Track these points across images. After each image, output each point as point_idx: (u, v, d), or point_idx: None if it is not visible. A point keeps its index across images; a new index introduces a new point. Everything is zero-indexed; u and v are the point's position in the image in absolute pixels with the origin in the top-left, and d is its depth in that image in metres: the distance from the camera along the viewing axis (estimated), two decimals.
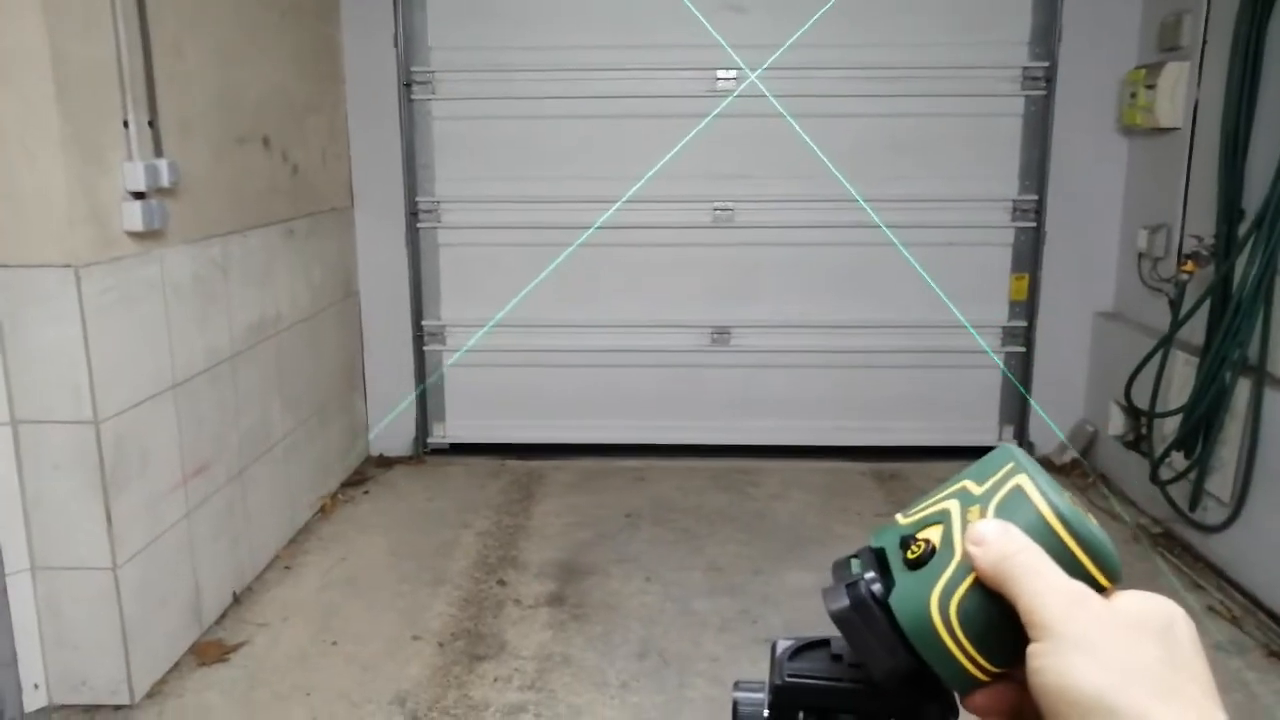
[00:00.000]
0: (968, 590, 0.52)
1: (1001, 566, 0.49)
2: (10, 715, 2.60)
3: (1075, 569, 0.50)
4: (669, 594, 3.30)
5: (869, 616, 0.56)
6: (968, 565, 0.51)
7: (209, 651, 2.92)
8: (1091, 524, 0.51)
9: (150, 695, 2.71)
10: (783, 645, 0.67)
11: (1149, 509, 3.91)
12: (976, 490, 0.55)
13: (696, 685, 2.76)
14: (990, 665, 0.53)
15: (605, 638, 3.02)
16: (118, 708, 2.64)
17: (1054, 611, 0.47)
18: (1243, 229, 3.28)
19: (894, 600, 0.55)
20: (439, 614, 3.17)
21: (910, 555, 0.55)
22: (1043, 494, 0.52)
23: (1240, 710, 2.64)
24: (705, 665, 2.87)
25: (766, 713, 0.63)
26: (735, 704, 0.65)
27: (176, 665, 2.86)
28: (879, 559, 0.58)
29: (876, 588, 0.56)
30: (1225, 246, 3.38)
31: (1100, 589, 0.50)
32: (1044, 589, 0.47)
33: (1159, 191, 3.99)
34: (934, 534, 0.55)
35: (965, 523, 0.54)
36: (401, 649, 2.95)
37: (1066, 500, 0.52)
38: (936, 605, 0.53)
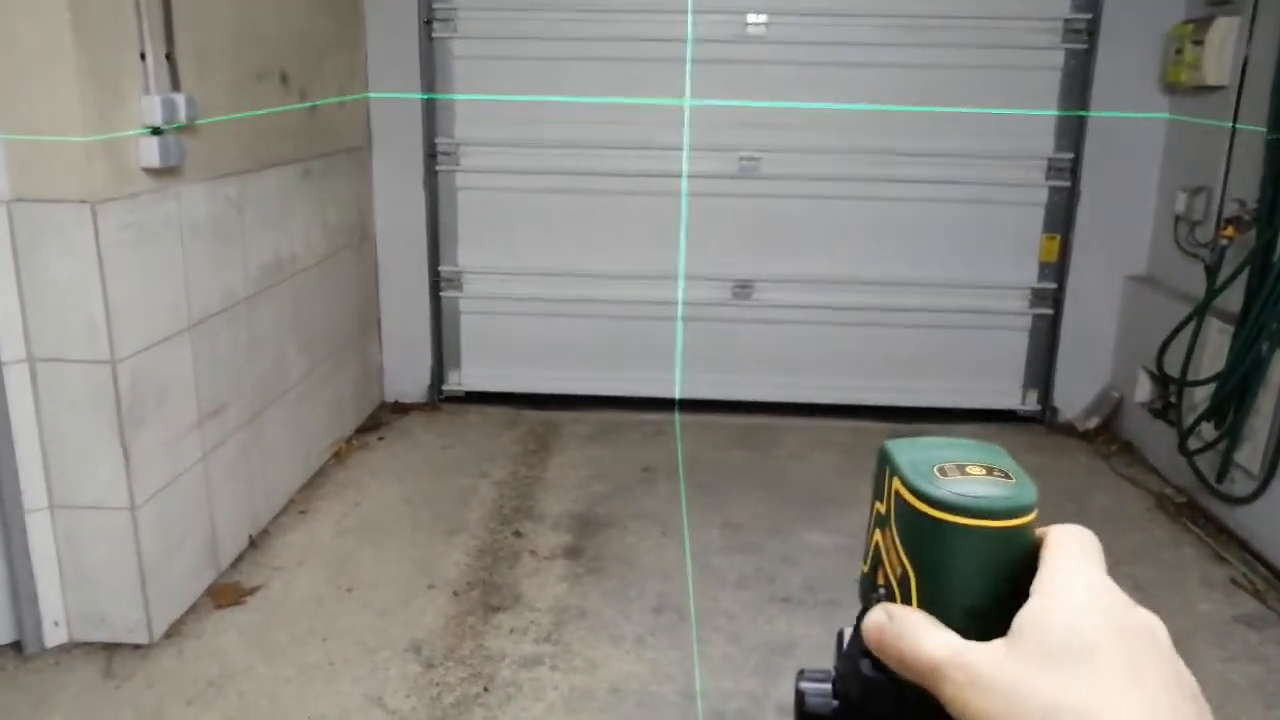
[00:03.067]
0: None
1: (884, 650, 0.50)
2: (31, 650, 2.61)
3: (956, 532, 0.50)
4: (686, 549, 3.28)
5: (872, 693, 0.56)
6: (906, 589, 0.52)
7: (226, 594, 2.92)
8: (955, 484, 0.51)
9: (168, 635, 2.71)
10: (849, 633, 0.63)
11: (1173, 478, 3.85)
12: (882, 509, 0.56)
13: (713, 641, 2.74)
14: None
15: (621, 591, 3.01)
16: (136, 646, 2.64)
17: (931, 663, 0.47)
18: None
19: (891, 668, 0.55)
20: (454, 563, 3.15)
21: None
22: (907, 485, 0.52)
23: (1260, 684, 2.62)
24: (722, 621, 2.85)
25: (835, 703, 0.60)
26: (801, 695, 0.61)
27: (194, 607, 2.85)
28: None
29: (866, 664, 0.56)
30: (1269, 212, 3.28)
31: (1014, 530, 0.49)
32: (912, 651, 0.48)
33: (1201, 153, 3.87)
34: (884, 573, 0.56)
35: (888, 552, 0.54)
36: (417, 597, 2.94)
37: (929, 472, 0.52)
38: None
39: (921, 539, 0.51)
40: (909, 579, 0.52)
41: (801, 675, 0.62)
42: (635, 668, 2.61)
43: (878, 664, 0.55)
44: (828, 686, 0.62)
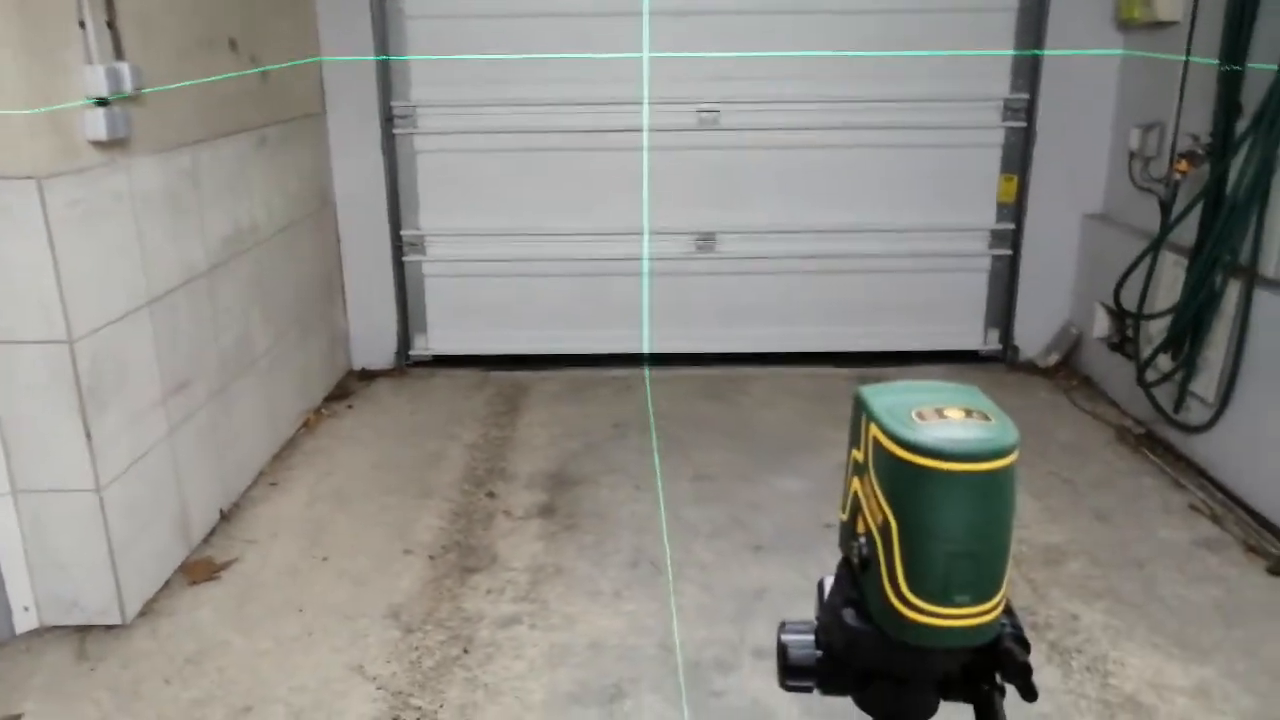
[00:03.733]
0: (900, 561, 0.52)
1: None
2: (1, 637, 2.59)
3: (937, 477, 0.51)
4: (658, 502, 3.31)
5: (856, 643, 0.58)
6: (888, 537, 0.53)
7: (199, 570, 2.91)
8: (934, 428, 0.52)
9: (142, 614, 2.70)
10: (830, 582, 0.63)
11: (1132, 410, 3.93)
12: (860, 457, 0.57)
13: (688, 592, 2.78)
14: (965, 610, 0.52)
15: (597, 547, 3.03)
16: (110, 628, 2.63)
17: None
18: (1241, 127, 3.22)
19: (875, 619, 0.56)
20: (428, 527, 3.16)
21: (858, 561, 0.57)
22: (885, 431, 0.53)
23: (1220, 604, 2.70)
24: (696, 572, 2.89)
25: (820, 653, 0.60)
26: (784, 648, 0.62)
27: (167, 584, 2.85)
28: (849, 565, 0.60)
29: (853, 621, 0.57)
30: (1222, 145, 3.32)
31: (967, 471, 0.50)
32: None
33: (1154, 89, 3.90)
34: (864, 521, 0.56)
35: (868, 500, 0.55)
36: (392, 563, 2.95)
37: (907, 416, 0.53)
38: (894, 596, 0.53)
39: (902, 485, 0.51)
40: (890, 527, 0.52)
41: (783, 628, 0.63)
42: (613, 622, 2.64)
43: (862, 613, 0.56)
44: (810, 638, 0.62)
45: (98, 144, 2.56)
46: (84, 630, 2.63)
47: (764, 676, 2.41)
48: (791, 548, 3.01)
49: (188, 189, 3.05)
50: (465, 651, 2.52)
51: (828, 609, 0.64)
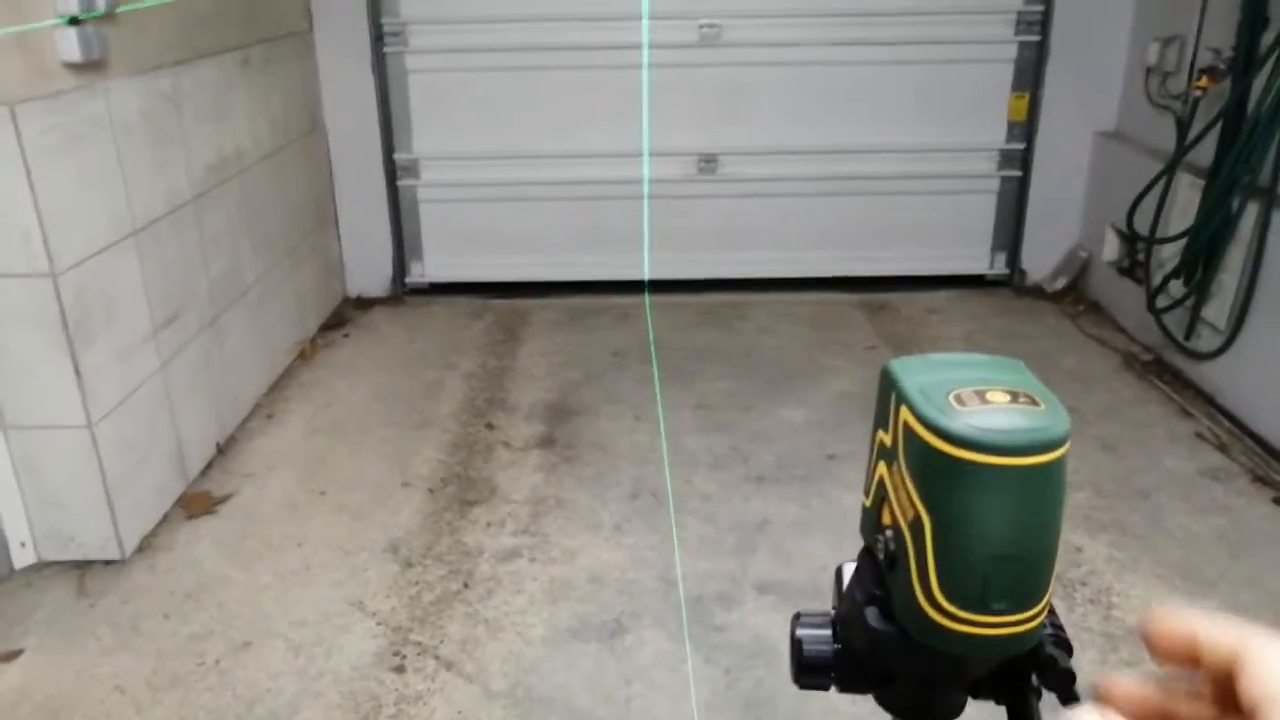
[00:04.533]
0: (933, 563, 0.46)
1: None
2: (0, 572, 2.58)
3: (978, 472, 0.44)
4: (659, 432, 3.27)
5: (879, 645, 0.51)
6: (919, 535, 0.46)
7: (197, 503, 2.89)
8: (975, 414, 0.44)
9: (140, 549, 2.69)
10: (849, 570, 0.58)
11: (1140, 336, 3.87)
12: (888, 441, 0.49)
13: (689, 524, 2.76)
14: (1004, 618, 0.46)
15: (597, 479, 3.01)
16: (108, 563, 2.62)
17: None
18: (1266, 41, 3.08)
19: (900, 619, 0.49)
20: (427, 459, 3.13)
21: (884, 557, 0.50)
22: (918, 416, 0.45)
23: (1225, 535, 2.68)
24: (697, 503, 2.87)
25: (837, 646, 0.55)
26: (799, 643, 0.56)
27: (165, 518, 2.83)
28: (872, 556, 0.53)
29: (876, 622, 0.51)
30: (1245, 60, 3.18)
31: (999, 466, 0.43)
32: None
33: (1175, 0, 3.74)
34: (891, 513, 0.49)
35: (897, 491, 0.48)
36: (391, 496, 2.93)
37: (944, 400, 0.45)
38: (924, 599, 0.46)
39: (937, 479, 0.44)
40: (922, 524, 0.45)
41: (798, 620, 0.57)
42: (614, 555, 2.62)
43: (886, 612, 0.50)
44: (827, 633, 0.56)
45: (72, 66, 2.45)
46: (83, 566, 2.61)
47: (766, 611, 2.40)
48: (793, 479, 2.98)
49: (169, 113, 2.94)
50: (465, 586, 2.51)
51: (847, 601, 0.57)
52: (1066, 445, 0.45)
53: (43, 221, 2.34)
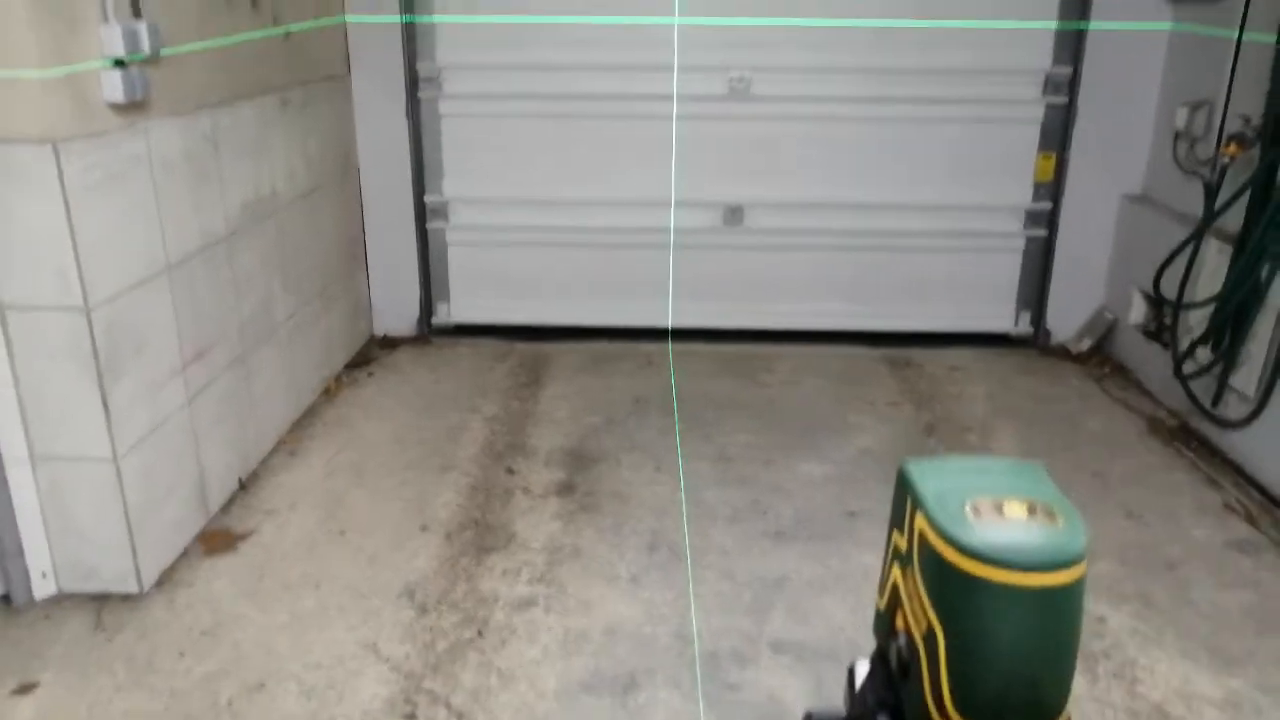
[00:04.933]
0: (946, 677, 0.45)
1: None
2: (20, 602, 2.59)
3: (993, 589, 0.43)
4: (679, 484, 3.26)
5: None
6: (933, 647, 0.45)
7: (216, 540, 2.90)
8: (991, 528, 0.44)
9: (159, 584, 2.70)
10: (862, 669, 0.57)
11: (1166, 401, 3.83)
12: (903, 545, 0.48)
13: (707, 579, 2.74)
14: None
15: (615, 529, 2.99)
16: (126, 596, 2.62)
17: None
18: None
19: None
20: (446, 503, 3.13)
21: (896, 665, 0.49)
22: (934, 525, 0.45)
23: (1253, 611, 2.63)
24: (715, 558, 2.85)
25: None
26: None
27: (185, 553, 2.84)
28: (885, 662, 0.52)
29: None
30: (1274, 129, 3.19)
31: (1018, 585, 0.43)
32: None
33: (1205, 66, 3.75)
34: (905, 619, 0.49)
35: (911, 599, 0.47)
36: (409, 539, 2.93)
37: (959, 510, 0.45)
38: (936, 712, 0.46)
39: (951, 593, 0.44)
40: (936, 636, 0.45)
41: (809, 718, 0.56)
42: (630, 608, 2.61)
43: (896, 715, 0.50)
44: None
45: (115, 106, 2.51)
46: (101, 599, 2.62)
47: (781, 672, 2.37)
48: (813, 536, 2.96)
49: (208, 152, 3.00)
50: (479, 634, 2.49)
51: (859, 704, 0.57)
52: (1084, 563, 0.44)
53: (79, 257, 2.38)
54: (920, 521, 0.44)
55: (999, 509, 0.43)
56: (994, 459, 0.64)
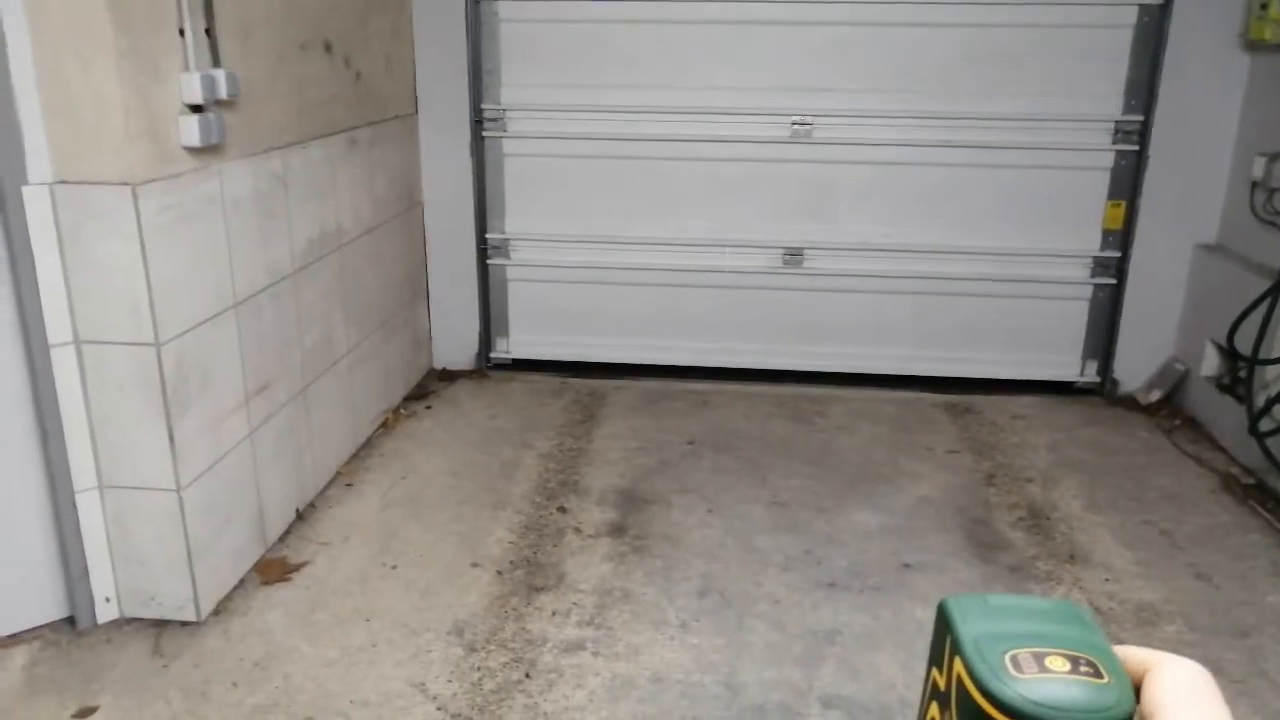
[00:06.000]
0: None
1: None
2: (84, 625, 2.66)
3: None
4: (731, 528, 3.24)
5: None
6: None
7: (272, 570, 2.95)
8: (1031, 684, 0.41)
9: (216, 612, 2.75)
10: None
11: (1241, 457, 3.71)
12: (942, 684, 0.46)
13: (756, 629, 2.71)
14: None
15: (666, 573, 2.98)
16: (185, 624, 2.68)
17: None
18: None
19: None
20: (498, 540, 3.15)
21: None
22: (972, 676, 0.43)
23: None
24: (766, 607, 2.81)
25: None
26: None
27: (242, 582, 2.89)
28: None
29: None
30: None
31: None
32: None
33: None
34: None
35: None
36: (460, 575, 2.94)
37: (999, 661, 0.42)
38: None
39: None
40: None
41: None
42: (678, 655, 2.58)
43: None
44: None
45: (192, 150, 2.60)
46: (160, 625, 2.68)
47: None
48: (866, 588, 2.91)
49: (277, 192, 3.08)
50: (527, 676, 2.49)
51: None
52: None
53: (152, 294, 2.46)
54: (959, 666, 0.42)
55: (1040, 662, 0.42)
56: (1038, 600, 0.62)
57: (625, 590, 2.88)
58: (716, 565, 3.02)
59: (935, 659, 0.48)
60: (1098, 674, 0.43)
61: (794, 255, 4.42)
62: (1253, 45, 3.85)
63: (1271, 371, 3.45)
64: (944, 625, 0.47)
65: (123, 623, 2.69)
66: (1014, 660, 0.43)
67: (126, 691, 2.43)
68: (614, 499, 3.44)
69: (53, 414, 2.49)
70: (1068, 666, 0.43)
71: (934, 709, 0.48)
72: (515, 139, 4.38)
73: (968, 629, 0.45)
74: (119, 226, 2.40)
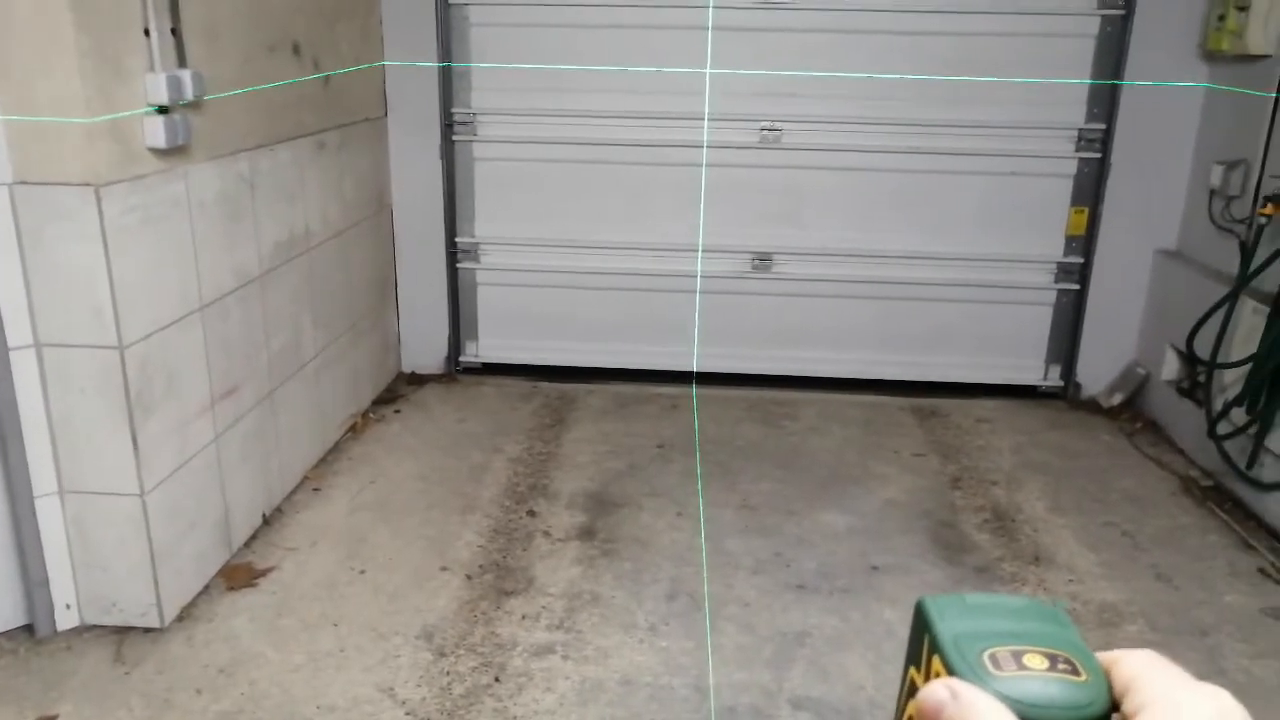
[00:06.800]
0: None
1: None
2: (43, 633, 2.61)
3: None
4: (700, 531, 3.25)
5: None
6: None
7: (238, 575, 2.92)
8: (1010, 681, 0.42)
9: (180, 619, 2.71)
10: None
11: (1199, 460, 3.77)
12: (920, 682, 0.47)
13: (726, 631, 2.72)
14: None
15: (635, 576, 2.98)
16: (147, 630, 2.64)
17: None
18: None
19: None
20: (467, 544, 3.14)
21: None
22: (950, 674, 0.43)
23: None
24: (736, 610, 2.82)
25: None
26: None
27: (206, 588, 2.85)
28: None
29: None
30: None
31: None
32: None
33: (1241, 125, 3.73)
34: None
35: None
36: (429, 580, 2.93)
37: (977, 659, 0.43)
38: None
39: None
40: None
41: None
42: (647, 658, 2.58)
43: None
44: None
45: (157, 151, 2.57)
46: (122, 632, 2.64)
47: None
48: (835, 589, 2.93)
49: (244, 194, 3.06)
50: (496, 680, 2.48)
51: None
52: None
53: (115, 296, 2.43)
54: (938, 665, 0.43)
55: (1019, 660, 0.42)
56: (1015, 598, 0.62)
57: (595, 593, 2.88)
58: (686, 569, 3.03)
59: (913, 658, 0.48)
60: (1075, 672, 0.43)
61: (763, 260, 4.45)
62: (1211, 56, 3.93)
63: (1229, 375, 3.51)
64: (922, 624, 0.47)
65: (83, 630, 2.65)
66: (992, 658, 0.44)
67: (87, 700, 2.39)
68: (583, 503, 3.43)
69: (12, 418, 2.44)
70: (1046, 664, 0.44)
71: (912, 710, 0.48)
72: (485, 143, 4.37)
73: (946, 627, 0.45)
74: (82, 228, 2.37)
